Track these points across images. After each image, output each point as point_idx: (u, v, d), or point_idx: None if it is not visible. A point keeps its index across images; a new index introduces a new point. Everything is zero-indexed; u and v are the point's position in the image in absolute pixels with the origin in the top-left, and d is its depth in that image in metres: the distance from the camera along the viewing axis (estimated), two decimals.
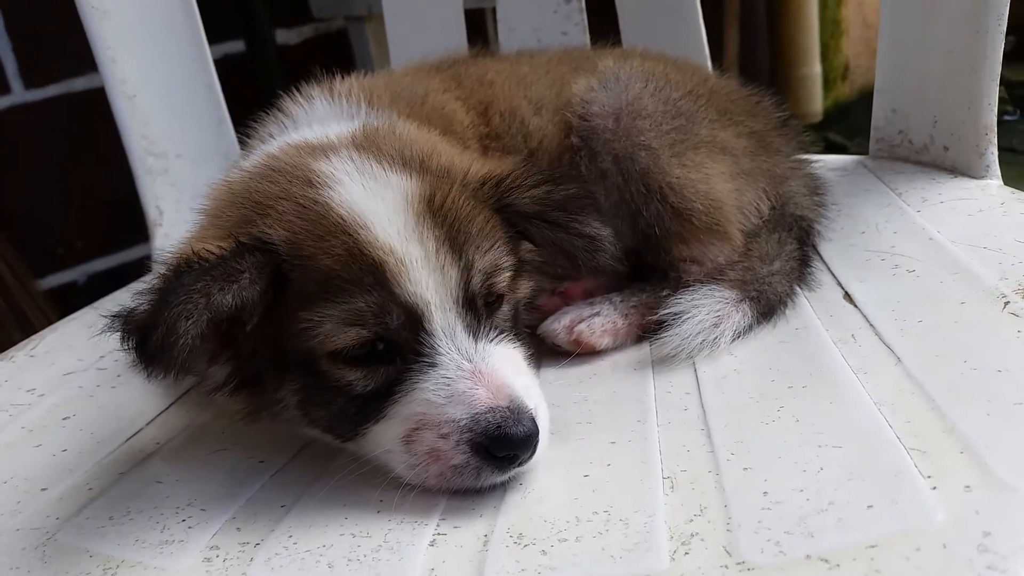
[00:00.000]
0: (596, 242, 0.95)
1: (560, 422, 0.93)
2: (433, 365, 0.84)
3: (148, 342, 0.77)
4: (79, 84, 2.47)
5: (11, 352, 1.24)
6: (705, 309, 1.06)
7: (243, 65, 2.78)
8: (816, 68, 3.35)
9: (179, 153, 1.60)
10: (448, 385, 0.83)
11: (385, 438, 0.85)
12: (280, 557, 0.78)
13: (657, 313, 1.07)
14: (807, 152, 1.32)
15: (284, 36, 2.87)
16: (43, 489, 0.92)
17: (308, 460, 0.94)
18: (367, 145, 0.95)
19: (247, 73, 2.66)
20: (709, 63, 1.59)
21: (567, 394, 1.00)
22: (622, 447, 0.88)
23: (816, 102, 3.39)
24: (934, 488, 0.71)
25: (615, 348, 1.10)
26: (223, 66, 2.80)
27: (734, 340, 1.05)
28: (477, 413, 0.81)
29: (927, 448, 0.76)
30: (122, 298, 1.27)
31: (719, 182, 1.16)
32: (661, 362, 1.05)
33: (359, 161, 0.91)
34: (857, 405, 0.86)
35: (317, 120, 1.11)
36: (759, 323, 1.08)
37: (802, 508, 0.72)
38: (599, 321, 1.10)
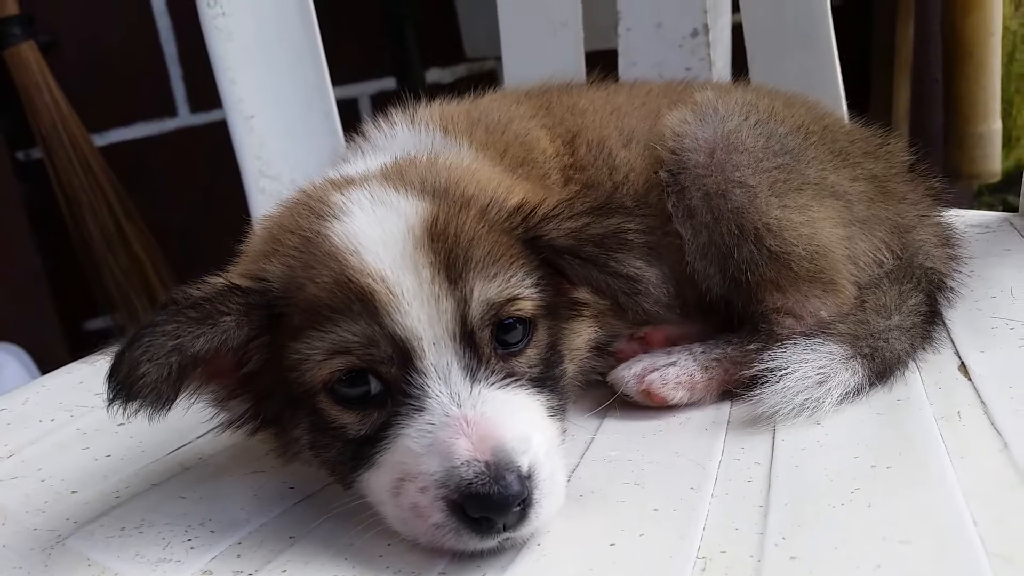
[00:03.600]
0: (636, 283, 0.84)
1: (603, 481, 0.85)
2: (420, 409, 0.75)
3: (115, 378, 0.74)
4: None
5: (98, 355, 1.27)
6: (808, 365, 0.93)
7: (393, 102, 2.86)
8: (996, 125, 3.07)
9: (293, 178, 1.61)
10: (430, 432, 0.74)
11: (376, 487, 0.78)
12: None
13: (749, 368, 0.96)
14: (939, 201, 1.16)
15: (437, 75, 2.92)
16: (73, 492, 0.92)
17: (337, 492, 0.88)
18: (393, 175, 0.90)
19: None
20: (843, 103, 1.45)
21: (623, 450, 0.91)
22: (664, 516, 0.78)
23: (994, 162, 3.09)
24: None
25: (691, 404, 0.99)
26: (375, 102, 2.89)
27: (841, 402, 0.92)
28: (452, 466, 0.71)
29: (1015, 556, 0.61)
30: None
31: (826, 227, 1.03)
32: (740, 425, 0.93)
33: (376, 191, 0.85)
34: (942, 494, 0.72)
35: (397, 146, 1.07)
36: (872, 385, 0.94)
37: None
38: (674, 372, 0.99)
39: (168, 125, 2.76)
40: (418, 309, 0.77)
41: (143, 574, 0.76)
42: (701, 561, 0.70)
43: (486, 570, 0.73)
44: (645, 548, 0.73)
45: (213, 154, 2.63)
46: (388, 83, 2.84)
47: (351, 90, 2.78)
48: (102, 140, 2.70)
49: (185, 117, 2.77)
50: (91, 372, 1.22)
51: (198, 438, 1.02)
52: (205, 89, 2.69)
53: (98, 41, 2.64)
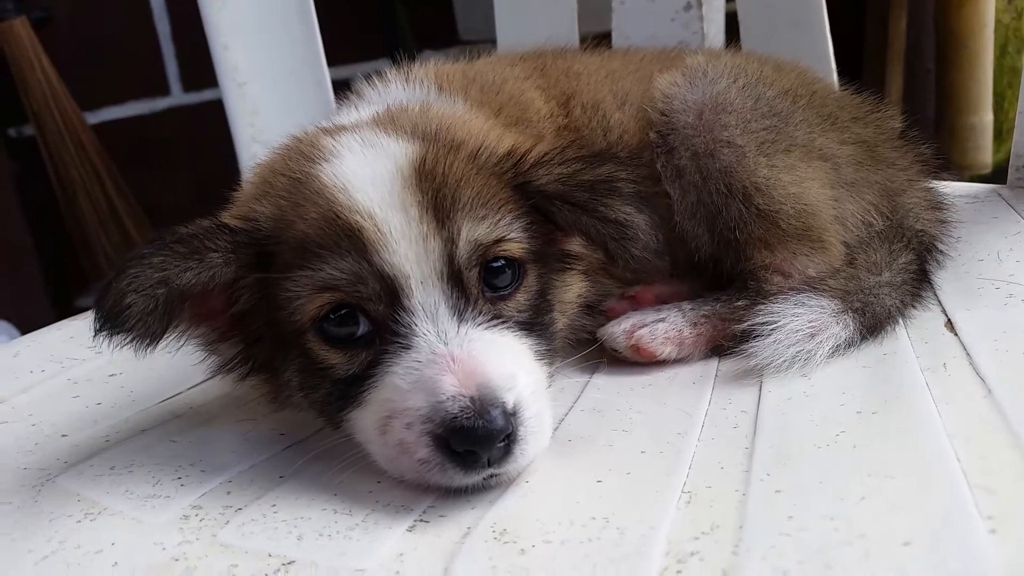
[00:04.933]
0: (625, 229, 0.85)
1: (593, 428, 0.85)
2: (407, 348, 0.76)
3: (101, 309, 0.75)
4: None
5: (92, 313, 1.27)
6: (800, 319, 0.94)
7: None
8: (987, 117, 3.07)
9: None
10: (417, 370, 0.74)
11: (364, 426, 0.79)
12: (255, 523, 0.73)
13: (738, 324, 0.96)
14: (927, 168, 1.17)
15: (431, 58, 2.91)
16: (63, 435, 0.92)
17: (327, 435, 0.89)
18: (384, 121, 0.90)
19: None
20: (835, 77, 1.46)
21: (612, 401, 0.91)
22: (651, 457, 0.78)
23: (985, 153, 3.10)
24: (992, 532, 0.57)
25: (680, 360, 0.99)
26: None
27: (832, 355, 0.92)
28: (437, 402, 0.72)
29: (996, 487, 0.62)
30: None
31: (814, 187, 1.03)
32: (728, 379, 0.94)
33: (367, 135, 0.86)
34: (927, 435, 0.72)
35: (390, 100, 1.07)
36: (863, 339, 0.95)
37: (826, 538, 0.60)
38: (663, 328, 1.00)
39: (161, 103, 2.76)
40: (406, 247, 0.77)
41: (132, 508, 0.77)
42: (686, 495, 0.70)
43: (475, 502, 0.73)
44: (631, 484, 0.74)
45: (205, 133, 2.63)
46: (381, 65, 2.84)
47: (343, 71, 2.78)
48: (95, 118, 2.70)
49: (178, 96, 2.77)
50: (82, 327, 1.21)
51: (190, 388, 1.03)
52: (198, 68, 2.70)
53: (91, 18, 2.64)
